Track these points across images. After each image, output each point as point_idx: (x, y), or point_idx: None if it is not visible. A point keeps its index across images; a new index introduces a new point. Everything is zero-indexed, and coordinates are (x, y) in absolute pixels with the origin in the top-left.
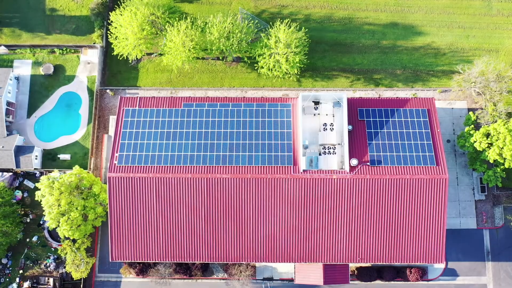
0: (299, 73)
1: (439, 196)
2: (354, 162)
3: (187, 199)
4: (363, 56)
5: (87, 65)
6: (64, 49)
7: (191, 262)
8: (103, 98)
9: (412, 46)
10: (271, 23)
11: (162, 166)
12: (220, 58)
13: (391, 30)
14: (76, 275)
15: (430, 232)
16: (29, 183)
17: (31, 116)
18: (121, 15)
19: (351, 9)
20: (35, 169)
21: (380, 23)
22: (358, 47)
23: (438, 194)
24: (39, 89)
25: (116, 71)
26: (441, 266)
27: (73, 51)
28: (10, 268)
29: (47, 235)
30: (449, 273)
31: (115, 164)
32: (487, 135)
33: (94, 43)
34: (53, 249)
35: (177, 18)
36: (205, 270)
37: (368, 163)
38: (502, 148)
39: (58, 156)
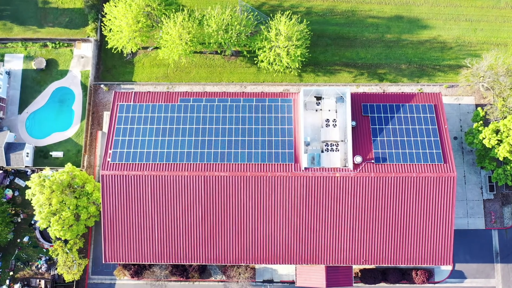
0: (300, 67)
1: (447, 195)
2: (358, 159)
3: (183, 198)
4: (366, 50)
5: (80, 59)
6: (57, 43)
7: (188, 263)
8: (97, 94)
9: (418, 40)
10: (271, 15)
11: (157, 164)
12: (219, 51)
13: (396, 23)
14: (68, 277)
15: (437, 232)
16: (20, 182)
17: (22, 112)
18: (115, 6)
19: (354, 1)
20: (26, 166)
21: (385, 16)
22: (362, 41)
23: (446, 193)
24: (31, 84)
25: (111, 65)
26: (448, 268)
27: (66, 44)
28: (0, 270)
29: (38, 235)
30: (457, 275)
31: (108, 161)
32: (497, 131)
33: (88, 37)
34: (44, 250)
35: (173, 10)
36: (203, 272)
37: (372, 161)
38: None
39: (50, 153)
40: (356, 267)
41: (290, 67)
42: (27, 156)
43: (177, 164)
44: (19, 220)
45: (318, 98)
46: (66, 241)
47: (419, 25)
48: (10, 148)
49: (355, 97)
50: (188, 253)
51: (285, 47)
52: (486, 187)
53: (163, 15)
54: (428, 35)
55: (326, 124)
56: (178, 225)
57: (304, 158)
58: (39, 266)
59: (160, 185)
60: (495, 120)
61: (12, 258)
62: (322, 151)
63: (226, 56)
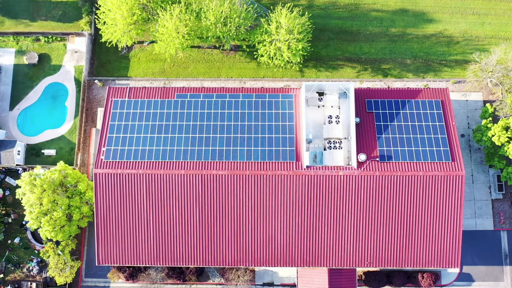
0: (302, 61)
1: (455, 195)
2: (362, 157)
3: (180, 197)
4: (370, 45)
5: (74, 54)
6: (49, 37)
7: (185, 266)
8: (91, 90)
9: (423, 34)
10: (271, 8)
11: (153, 162)
12: (217, 46)
13: (401, 17)
14: (60, 280)
15: (445, 233)
16: (11, 181)
17: (13, 109)
18: None
19: None
20: (17, 165)
21: (389, 10)
22: (365, 35)
23: (454, 192)
24: (23, 79)
25: (106, 60)
26: (456, 270)
27: (59, 39)
28: None
29: (30, 236)
30: (464, 278)
31: (101, 159)
32: (507, 128)
33: (82, 31)
34: (36, 252)
35: (170, 2)
36: (200, 274)
37: (377, 159)
38: None
39: (43, 151)
40: (359, 270)
41: (291, 61)
42: (18, 154)
43: (173, 162)
44: (10, 220)
45: (320, 93)
46: (58, 243)
47: (425, 18)
48: (1, 145)
49: (359, 93)
50: (185, 255)
51: (286, 40)
52: (495, 187)
53: (159, 7)
54: (434, 29)
55: (329, 120)
56: (174, 226)
57: (305, 156)
58: (31, 268)
59: (156, 184)
60: (505, 117)
61: (3, 259)
62: (325, 149)
63: (224, 51)
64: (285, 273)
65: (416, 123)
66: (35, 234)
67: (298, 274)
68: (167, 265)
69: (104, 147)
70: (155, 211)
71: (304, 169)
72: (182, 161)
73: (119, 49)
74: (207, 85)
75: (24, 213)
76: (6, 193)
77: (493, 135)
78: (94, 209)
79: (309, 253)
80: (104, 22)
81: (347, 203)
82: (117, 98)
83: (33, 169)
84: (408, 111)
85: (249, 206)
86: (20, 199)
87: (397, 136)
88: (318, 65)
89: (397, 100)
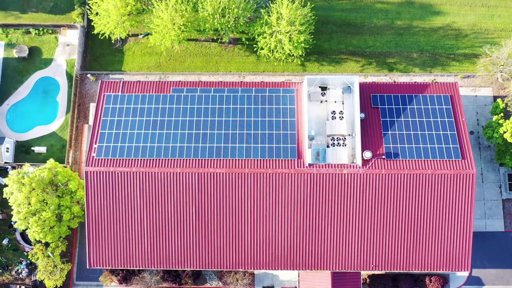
0: (303, 55)
1: (465, 194)
2: (368, 155)
3: (176, 197)
4: (375, 38)
5: (66, 47)
6: (40, 29)
7: (181, 269)
8: (84, 84)
9: (430, 26)
10: None
11: (147, 159)
12: (215, 38)
13: (407, 9)
14: (49, 284)
15: (455, 235)
16: None
17: (2, 104)
18: None
19: None
20: (5, 163)
21: (394, 1)
22: (370, 28)
23: (464, 191)
24: (12, 73)
25: (99, 54)
26: (465, 274)
27: (50, 31)
28: None
29: (19, 237)
30: (474, 281)
31: (93, 156)
32: None
33: (74, 23)
34: (25, 254)
35: None
36: (197, 277)
37: (383, 156)
38: None
39: (33, 148)
40: (364, 273)
41: (293, 54)
42: (7, 151)
43: (168, 159)
44: None
45: (323, 88)
46: (47, 244)
47: (432, 10)
48: None
49: (363, 87)
50: (181, 257)
51: (287, 32)
52: (506, 186)
53: None
54: (441, 22)
55: (332, 116)
56: (169, 227)
57: (308, 153)
58: (20, 270)
59: (150, 182)
60: None
61: None
62: (328, 146)
63: (223, 44)
64: (286, 276)
65: (424, 119)
66: (24, 235)
67: (299, 278)
68: (162, 268)
69: (95, 144)
70: (150, 211)
71: (306, 167)
72: (177, 159)
73: (113, 42)
74: (204, 79)
75: (13, 213)
76: None
77: (504, 132)
78: (85, 209)
79: (311, 255)
80: (97, 13)
81: (352, 203)
82: (110, 92)
83: (22, 167)
84: (415, 107)
85: (248, 206)
86: (7, 198)
87: (404, 132)
88: (320, 59)
89: (404, 95)
